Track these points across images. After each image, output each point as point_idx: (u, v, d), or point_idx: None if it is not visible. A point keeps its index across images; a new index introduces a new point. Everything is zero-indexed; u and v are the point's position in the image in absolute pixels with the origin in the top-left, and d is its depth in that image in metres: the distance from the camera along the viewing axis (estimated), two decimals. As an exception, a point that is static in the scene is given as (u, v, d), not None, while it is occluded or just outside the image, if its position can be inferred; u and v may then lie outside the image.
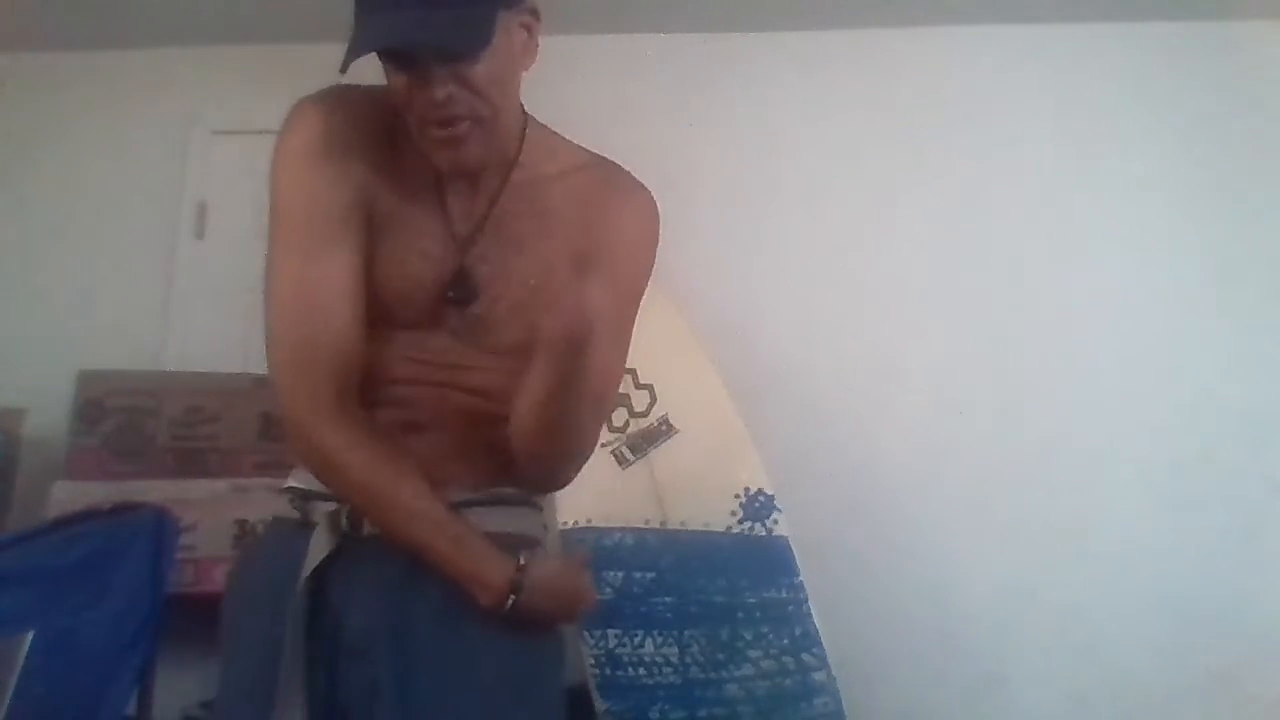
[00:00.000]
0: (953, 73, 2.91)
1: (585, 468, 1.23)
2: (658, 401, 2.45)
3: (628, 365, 1.30)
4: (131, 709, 1.87)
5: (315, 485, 1.17)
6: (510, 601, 1.11)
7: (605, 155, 1.27)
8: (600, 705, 2.17)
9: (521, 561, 1.13)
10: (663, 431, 2.43)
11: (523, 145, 1.22)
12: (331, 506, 1.16)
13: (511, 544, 1.17)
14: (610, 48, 2.94)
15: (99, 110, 3.11)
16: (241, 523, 2.31)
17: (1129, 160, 2.81)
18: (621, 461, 2.41)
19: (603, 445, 2.36)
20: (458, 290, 1.17)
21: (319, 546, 1.14)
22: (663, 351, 2.42)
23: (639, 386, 2.45)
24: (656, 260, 1.25)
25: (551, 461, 1.20)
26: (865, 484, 2.68)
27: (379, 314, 1.17)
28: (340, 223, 1.15)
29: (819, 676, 2.26)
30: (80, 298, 2.96)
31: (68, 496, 2.31)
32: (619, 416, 2.43)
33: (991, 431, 2.70)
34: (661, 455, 2.42)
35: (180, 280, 3.02)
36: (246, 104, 2.90)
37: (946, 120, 2.88)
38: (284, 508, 1.21)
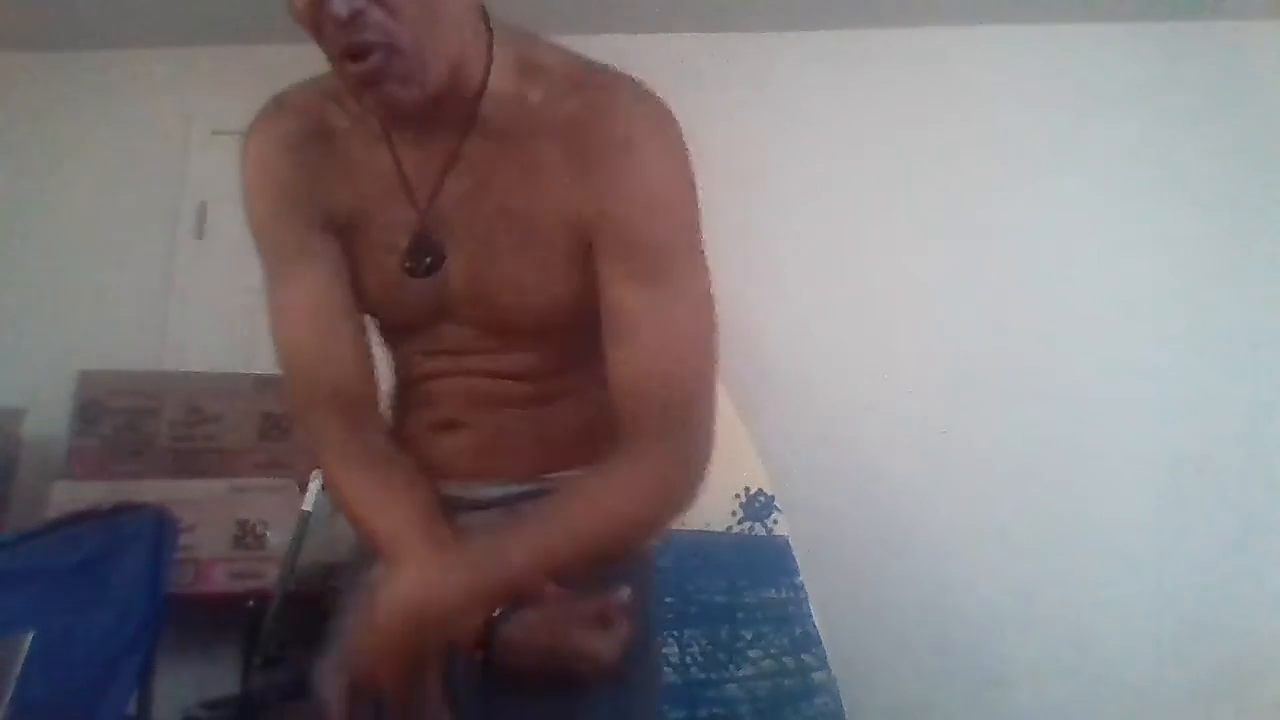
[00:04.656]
0: (953, 72, 2.91)
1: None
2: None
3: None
4: (131, 709, 1.87)
5: None
6: (480, 657, 0.94)
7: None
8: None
9: (496, 613, 0.94)
10: (663, 431, 2.42)
11: (489, 70, 1.02)
12: None
13: None
14: (611, 48, 2.92)
15: (99, 110, 3.11)
16: (242, 523, 2.31)
17: (1130, 160, 2.81)
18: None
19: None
20: (414, 262, 1.04)
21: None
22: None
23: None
24: None
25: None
26: (865, 484, 2.68)
27: (378, 313, 1.11)
28: (299, 244, 1.08)
29: (819, 676, 2.26)
30: (80, 298, 2.96)
31: (68, 496, 2.31)
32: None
33: (992, 431, 2.70)
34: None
35: (180, 280, 3.02)
36: (246, 104, 2.87)
37: (946, 120, 2.88)
38: None
